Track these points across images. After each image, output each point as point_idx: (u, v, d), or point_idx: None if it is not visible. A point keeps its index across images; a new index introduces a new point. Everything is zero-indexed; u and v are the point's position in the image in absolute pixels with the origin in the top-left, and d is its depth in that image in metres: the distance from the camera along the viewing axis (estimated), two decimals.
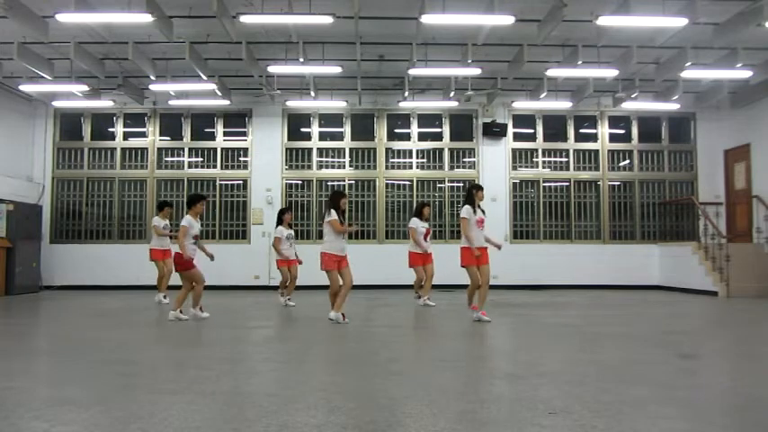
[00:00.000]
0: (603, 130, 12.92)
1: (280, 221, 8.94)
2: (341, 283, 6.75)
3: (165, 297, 9.24)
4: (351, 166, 12.74)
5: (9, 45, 9.28)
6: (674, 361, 4.73)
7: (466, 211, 6.94)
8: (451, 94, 11.39)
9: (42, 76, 10.24)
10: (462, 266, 6.97)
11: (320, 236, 11.43)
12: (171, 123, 12.77)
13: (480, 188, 7.25)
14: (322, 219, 6.89)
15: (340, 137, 12.81)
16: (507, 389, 3.71)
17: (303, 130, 12.83)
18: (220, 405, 3.26)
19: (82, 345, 5.58)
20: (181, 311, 7.12)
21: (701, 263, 11.02)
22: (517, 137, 12.90)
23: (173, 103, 11.75)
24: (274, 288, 11.57)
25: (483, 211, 7.11)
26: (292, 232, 9.09)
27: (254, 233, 12.32)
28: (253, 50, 10.07)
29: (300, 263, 8.92)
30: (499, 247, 7.28)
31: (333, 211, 6.76)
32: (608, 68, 10.11)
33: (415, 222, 8.86)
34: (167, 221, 9.47)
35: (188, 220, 7.09)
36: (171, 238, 9.28)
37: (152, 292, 9.71)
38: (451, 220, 12.54)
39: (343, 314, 6.73)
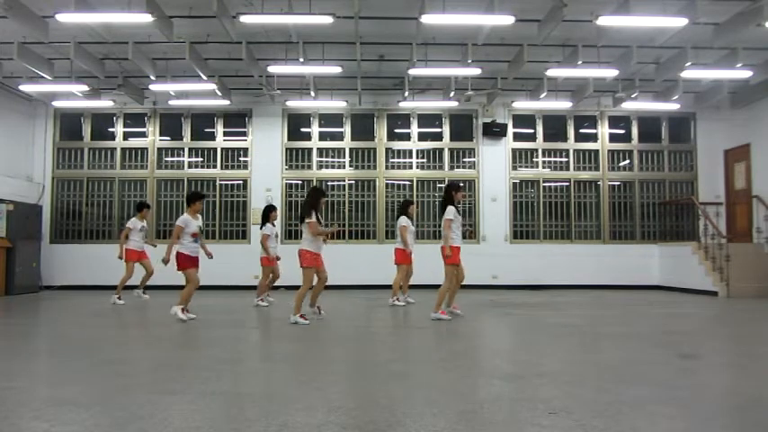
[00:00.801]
0: (603, 130, 12.92)
1: (266, 219, 8.95)
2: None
3: (144, 292, 9.64)
4: (351, 166, 12.75)
5: (9, 45, 9.29)
6: (674, 361, 4.72)
7: (453, 212, 7.17)
8: (451, 94, 11.39)
9: (42, 76, 10.24)
10: (450, 264, 7.07)
11: None
12: (171, 123, 12.77)
13: (460, 188, 7.41)
14: (301, 219, 6.90)
15: (340, 137, 12.81)
16: (507, 389, 3.70)
17: (303, 130, 12.83)
18: (220, 405, 3.25)
19: (82, 345, 5.58)
20: (186, 310, 7.15)
21: (700, 263, 11.02)
22: (517, 137, 12.90)
23: (173, 103, 11.75)
24: (273, 288, 11.59)
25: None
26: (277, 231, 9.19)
27: (254, 233, 12.28)
28: (253, 50, 10.07)
29: (279, 259, 8.99)
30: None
31: (313, 213, 6.77)
32: (608, 68, 10.11)
33: (406, 221, 8.92)
34: (145, 223, 9.60)
35: (183, 219, 7.06)
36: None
37: (152, 292, 9.71)
38: None
39: (318, 307, 7.09)
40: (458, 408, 3.20)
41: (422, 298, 9.35)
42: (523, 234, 12.74)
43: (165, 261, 6.96)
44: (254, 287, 11.15)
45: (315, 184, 12.52)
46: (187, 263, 7.02)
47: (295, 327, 6.53)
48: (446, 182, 12.63)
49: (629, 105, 12.02)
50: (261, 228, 8.95)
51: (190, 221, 7.06)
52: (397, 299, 8.89)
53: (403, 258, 8.86)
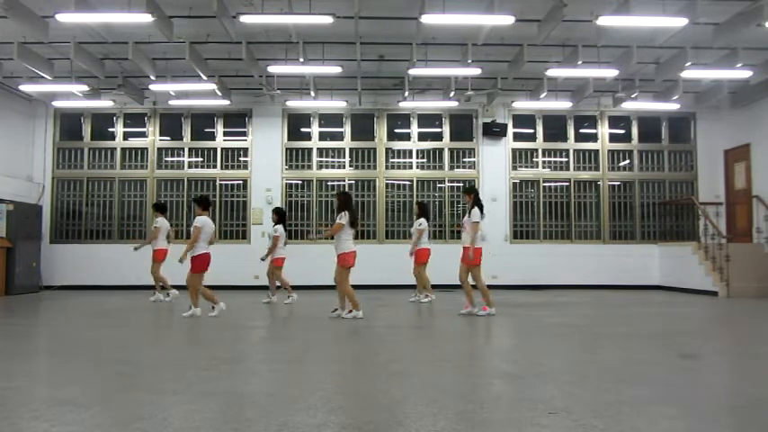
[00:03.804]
0: (603, 130, 12.92)
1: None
2: None
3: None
4: (351, 166, 12.74)
5: (9, 45, 9.27)
6: (674, 361, 4.73)
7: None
8: (451, 94, 11.39)
9: (42, 76, 10.23)
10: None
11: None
12: (171, 123, 12.76)
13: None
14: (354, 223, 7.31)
15: (340, 137, 12.81)
16: (507, 389, 3.71)
17: (303, 130, 12.82)
18: (220, 405, 3.26)
19: (82, 345, 5.58)
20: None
21: (700, 263, 11.02)
22: (517, 137, 12.90)
23: (173, 103, 11.74)
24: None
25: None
26: None
27: (254, 233, 12.31)
28: (253, 50, 10.06)
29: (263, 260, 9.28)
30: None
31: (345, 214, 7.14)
32: (608, 68, 10.10)
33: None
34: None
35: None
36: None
37: (148, 292, 9.70)
38: (451, 221, 12.55)
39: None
40: (458, 408, 3.20)
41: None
42: (523, 234, 12.74)
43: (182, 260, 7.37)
44: (254, 287, 11.14)
45: (315, 183, 12.55)
46: None
47: (294, 327, 6.53)
48: (446, 181, 12.66)
49: (629, 105, 12.01)
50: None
51: None
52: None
53: None
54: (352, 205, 7.37)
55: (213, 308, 7.37)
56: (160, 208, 9.85)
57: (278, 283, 9.17)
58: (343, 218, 7.05)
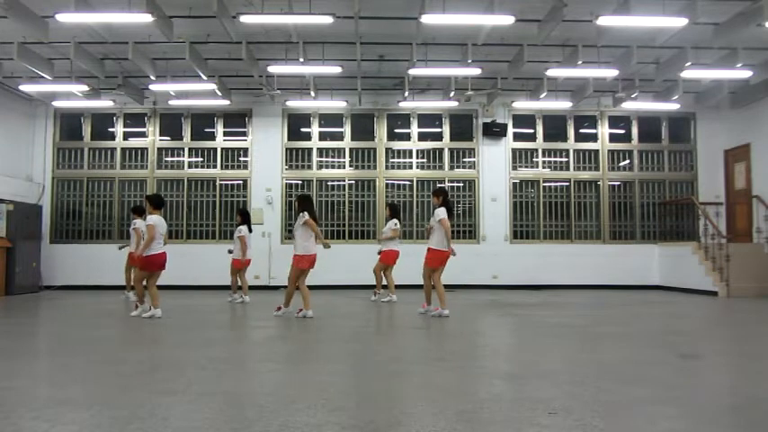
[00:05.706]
0: (603, 130, 12.92)
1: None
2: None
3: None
4: (351, 166, 12.74)
5: (9, 45, 9.27)
6: (674, 361, 4.73)
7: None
8: (451, 94, 11.39)
9: (42, 76, 10.23)
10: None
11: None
12: (171, 123, 12.76)
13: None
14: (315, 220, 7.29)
15: (340, 137, 12.81)
16: (507, 389, 3.71)
17: (303, 130, 12.82)
18: (220, 405, 3.26)
19: (82, 345, 5.58)
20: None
21: (701, 263, 11.02)
22: (517, 137, 12.90)
23: (173, 103, 11.74)
24: (274, 288, 11.58)
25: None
26: None
27: (254, 233, 12.28)
28: (253, 50, 10.07)
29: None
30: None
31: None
32: (608, 68, 10.10)
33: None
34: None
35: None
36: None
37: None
38: (456, 220, 12.54)
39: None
40: (458, 408, 3.20)
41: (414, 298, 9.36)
42: (523, 234, 12.74)
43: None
44: (254, 287, 11.13)
45: (315, 183, 12.56)
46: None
47: (294, 327, 6.53)
48: (446, 181, 12.64)
49: (629, 105, 12.01)
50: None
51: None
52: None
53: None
54: (313, 208, 7.44)
55: (136, 306, 7.35)
56: (137, 210, 9.77)
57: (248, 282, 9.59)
58: (301, 219, 7.15)
